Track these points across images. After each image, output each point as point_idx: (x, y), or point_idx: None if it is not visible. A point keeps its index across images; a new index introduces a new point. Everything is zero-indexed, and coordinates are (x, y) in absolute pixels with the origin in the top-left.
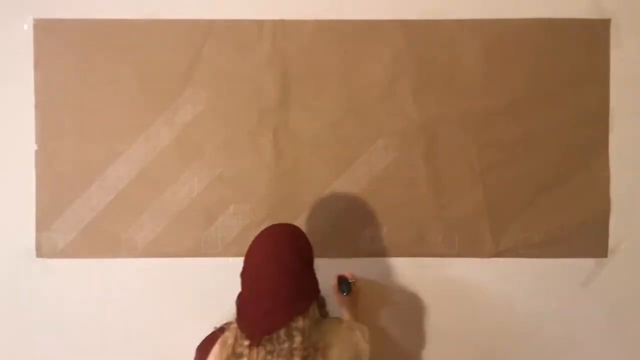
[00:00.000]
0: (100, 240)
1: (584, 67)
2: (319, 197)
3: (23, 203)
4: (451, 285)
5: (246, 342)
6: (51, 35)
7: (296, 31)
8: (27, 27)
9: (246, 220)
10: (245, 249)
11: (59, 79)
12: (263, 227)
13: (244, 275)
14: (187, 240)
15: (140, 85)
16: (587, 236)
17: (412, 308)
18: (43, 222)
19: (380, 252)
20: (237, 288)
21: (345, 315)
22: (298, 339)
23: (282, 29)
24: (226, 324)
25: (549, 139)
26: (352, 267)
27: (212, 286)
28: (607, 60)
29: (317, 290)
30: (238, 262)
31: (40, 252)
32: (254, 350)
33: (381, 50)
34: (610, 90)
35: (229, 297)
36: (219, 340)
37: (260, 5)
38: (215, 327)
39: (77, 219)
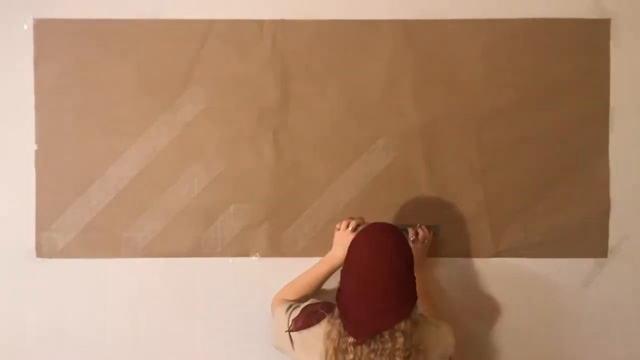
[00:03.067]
0: (100, 240)
1: (584, 67)
2: (319, 197)
3: (23, 203)
4: (451, 285)
5: (350, 339)
6: (51, 35)
7: (296, 31)
8: (27, 27)
9: (246, 220)
10: (245, 249)
11: (59, 79)
12: (263, 227)
13: (349, 273)
14: (187, 240)
15: (140, 85)
16: (587, 236)
17: None
18: (43, 222)
19: None
20: (237, 288)
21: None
22: (400, 340)
23: (282, 29)
24: (327, 305)
25: (549, 139)
26: None
27: (212, 286)
28: (607, 60)
29: (416, 294)
30: (238, 262)
31: (40, 252)
32: (358, 348)
33: (381, 50)
34: (610, 90)
35: (229, 297)
36: (324, 332)
37: (260, 5)
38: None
39: (77, 219)
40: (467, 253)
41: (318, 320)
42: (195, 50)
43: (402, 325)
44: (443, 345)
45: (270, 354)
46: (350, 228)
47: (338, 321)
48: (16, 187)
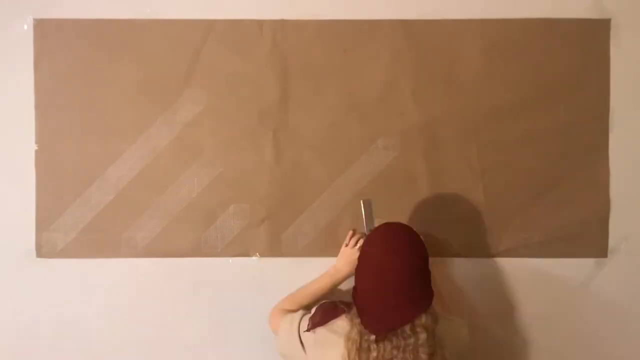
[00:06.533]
0: (100, 240)
1: (584, 67)
2: (319, 197)
3: (23, 203)
4: (451, 285)
5: (372, 337)
6: (51, 35)
7: (296, 31)
8: (27, 27)
9: (246, 220)
10: (245, 249)
11: (59, 79)
12: (263, 227)
13: (364, 270)
14: (187, 240)
15: (140, 85)
16: (587, 236)
17: None
18: (43, 222)
19: None
20: (237, 288)
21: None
22: (423, 336)
23: (282, 29)
24: (343, 303)
25: (549, 139)
26: None
27: (212, 286)
28: (607, 60)
29: (432, 289)
30: (238, 262)
31: (40, 252)
32: (381, 345)
33: (381, 50)
34: (610, 90)
35: (229, 297)
36: (344, 332)
37: (260, 5)
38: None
39: (77, 219)
40: (467, 253)
41: (336, 316)
42: (195, 50)
43: (423, 319)
44: (459, 339)
45: (269, 353)
46: (358, 245)
47: (357, 320)
48: (16, 187)
